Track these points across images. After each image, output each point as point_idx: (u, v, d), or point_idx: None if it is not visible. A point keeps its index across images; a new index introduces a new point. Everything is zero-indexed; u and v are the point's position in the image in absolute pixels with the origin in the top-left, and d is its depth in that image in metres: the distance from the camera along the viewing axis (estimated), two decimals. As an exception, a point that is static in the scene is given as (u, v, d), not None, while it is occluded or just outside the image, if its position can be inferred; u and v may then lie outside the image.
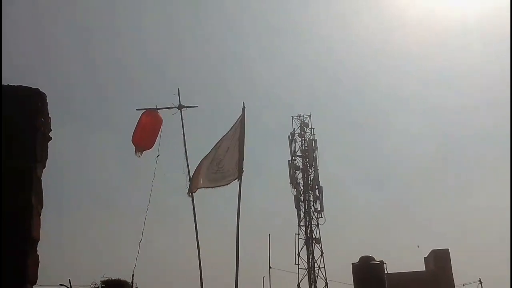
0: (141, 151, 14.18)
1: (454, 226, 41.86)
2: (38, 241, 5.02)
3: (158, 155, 13.94)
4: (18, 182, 4.75)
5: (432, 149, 50.01)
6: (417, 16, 54.00)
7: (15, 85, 4.95)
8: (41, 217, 5.14)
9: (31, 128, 4.86)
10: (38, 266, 5.06)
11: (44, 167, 5.14)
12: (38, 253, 5.08)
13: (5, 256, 4.59)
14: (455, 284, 26.49)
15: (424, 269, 28.87)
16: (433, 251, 28.19)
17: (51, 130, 5.24)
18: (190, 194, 14.22)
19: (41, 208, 5.10)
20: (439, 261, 27.34)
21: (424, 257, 29.34)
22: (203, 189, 14.47)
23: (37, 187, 4.96)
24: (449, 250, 27.65)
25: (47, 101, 5.11)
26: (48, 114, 5.15)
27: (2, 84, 4.97)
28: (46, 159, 5.16)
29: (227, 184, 14.14)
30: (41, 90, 4.99)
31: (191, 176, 14.22)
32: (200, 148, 17.48)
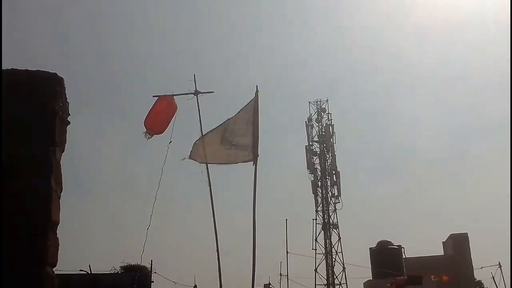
0: (151, 134, 14.27)
1: (471, 212, 41.61)
2: (57, 224, 5.06)
3: (171, 142, 14.00)
4: (37, 165, 4.80)
5: (446, 136, 49.68)
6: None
7: (33, 69, 4.99)
8: (61, 202, 5.18)
9: (50, 112, 4.90)
10: (58, 248, 5.10)
11: (63, 151, 5.18)
12: (58, 236, 5.13)
13: (25, 238, 4.65)
14: (473, 268, 26.40)
15: (443, 254, 28.78)
16: (451, 235, 28.04)
17: (69, 115, 5.28)
18: (187, 159, 14.26)
19: (60, 192, 5.14)
20: (458, 245, 27.23)
21: (443, 242, 29.21)
22: (215, 165, 14.49)
23: (56, 171, 5.01)
24: (468, 234, 27.55)
25: (65, 85, 5.14)
26: (66, 98, 5.18)
27: (20, 69, 5.00)
28: (65, 143, 5.20)
29: (238, 163, 14.21)
30: (58, 75, 5.03)
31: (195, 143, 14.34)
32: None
